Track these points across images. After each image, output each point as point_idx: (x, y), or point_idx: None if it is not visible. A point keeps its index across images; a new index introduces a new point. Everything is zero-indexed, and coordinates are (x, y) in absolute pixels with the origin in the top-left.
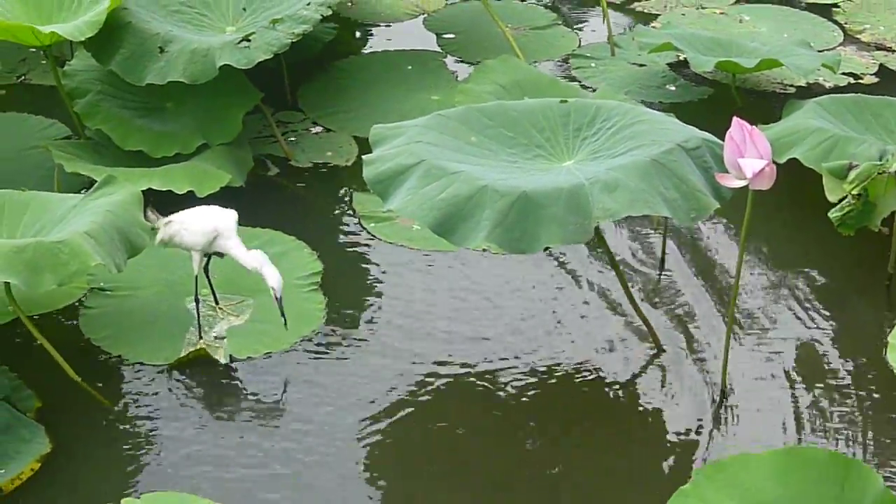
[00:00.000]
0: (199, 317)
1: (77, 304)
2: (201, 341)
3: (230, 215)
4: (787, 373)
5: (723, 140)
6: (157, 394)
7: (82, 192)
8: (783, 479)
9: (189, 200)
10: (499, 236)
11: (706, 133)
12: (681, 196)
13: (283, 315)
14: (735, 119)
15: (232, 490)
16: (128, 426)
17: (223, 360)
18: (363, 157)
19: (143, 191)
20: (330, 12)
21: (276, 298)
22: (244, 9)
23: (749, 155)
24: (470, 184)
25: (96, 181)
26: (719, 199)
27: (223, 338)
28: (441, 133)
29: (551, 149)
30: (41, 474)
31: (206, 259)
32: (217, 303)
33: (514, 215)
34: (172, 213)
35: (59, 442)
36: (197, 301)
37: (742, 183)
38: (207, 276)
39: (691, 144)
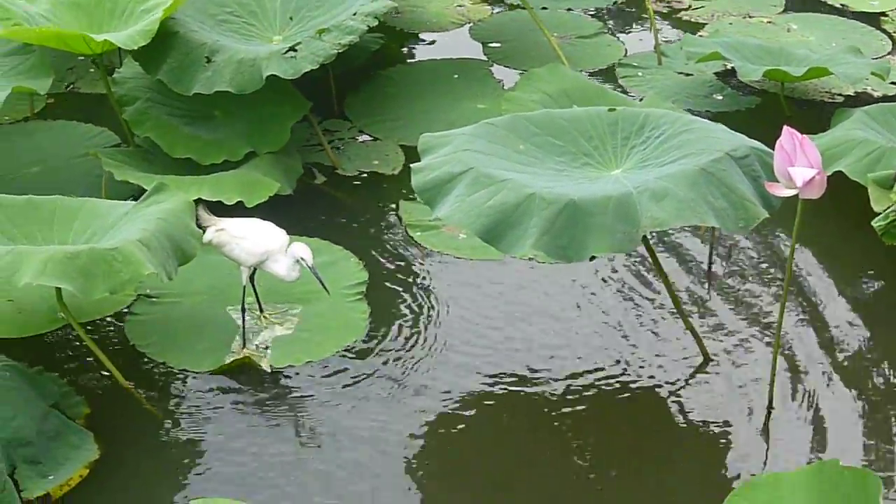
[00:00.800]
0: (244, 325)
1: (124, 311)
2: (245, 350)
3: (281, 239)
4: (834, 385)
5: (772, 149)
6: (203, 401)
7: (130, 199)
8: (816, 499)
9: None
10: (546, 244)
11: (755, 141)
12: (729, 205)
13: (322, 283)
14: (785, 128)
15: (277, 497)
16: (175, 433)
17: (266, 369)
18: (411, 165)
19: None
20: (376, 22)
21: (311, 268)
22: (291, 18)
23: (799, 164)
24: (518, 191)
25: (145, 189)
26: (768, 208)
27: (267, 347)
28: (489, 141)
29: (599, 157)
30: (90, 481)
31: (253, 270)
32: (262, 311)
33: (561, 223)
34: (224, 216)
35: (108, 448)
36: (243, 310)
37: (792, 192)
38: (253, 286)
39: (740, 153)
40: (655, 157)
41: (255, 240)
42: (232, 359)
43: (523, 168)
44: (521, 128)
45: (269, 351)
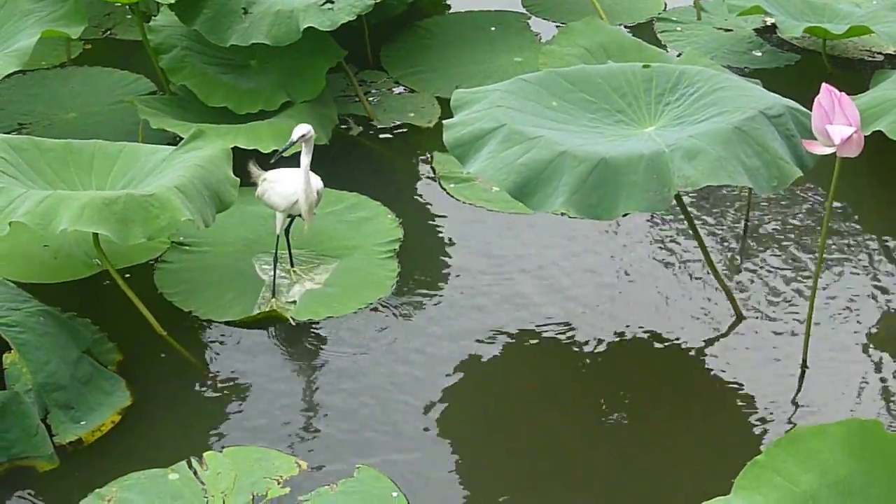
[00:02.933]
0: (274, 275)
1: (157, 259)
2: (274, 300)
3: (314, 183)
4: (869, 345)
5: (809, 107)
6: (234, 350)
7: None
8: (858, 453)
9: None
10: (577, 202)
11: (790, 100)
12: (762, 164)
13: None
14: (824, 85)
15: (310, 444)
16: (207, 381)
17: (290, 321)
18: (444, 121)
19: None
20: None
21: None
22: None
23: (837, 122)
24: (549, 149)
25: (181, 137)
26: (802, 167)
27: (294, 301)
28: (522, 98)
29: (633, 114)
30: (122, 427)
31: (289, 220)
32: (293, 266)
33: (592, 181)
34: (272, 168)
35: (140, 395)
36: (275, 260)
37: (829, 150)
38: (287, 239)
39: (774, 112)
40: (689, 115)
41: (287, 183)
42: (259, 310)
43: (556, 125)
44: (555, 84)
45: (294, 305)
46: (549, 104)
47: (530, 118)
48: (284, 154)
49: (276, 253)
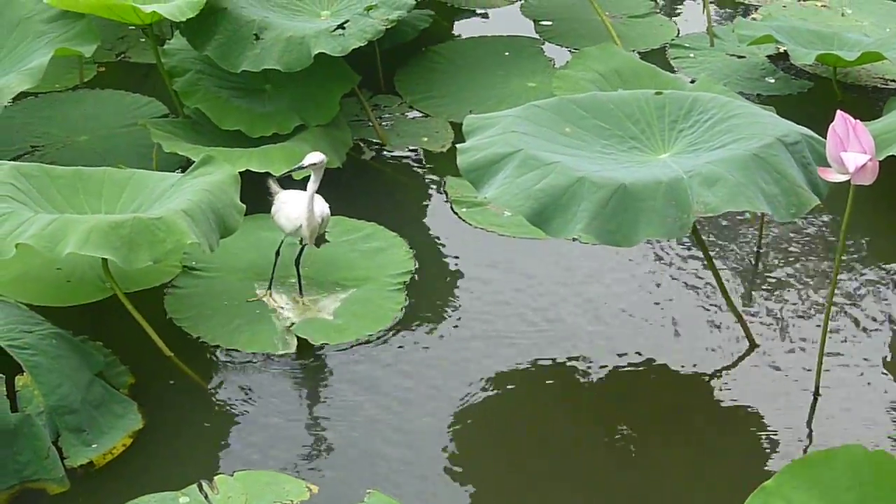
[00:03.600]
0: (273, 270)
1: (168, 284)
2: (266, 294)
3: (318, 213)
4: (882, 373)
5: (822, 134)
6: (244, 375)
7: (178, 170)
8: (867, 480)
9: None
10: (596, 228)
11: (804, 128)
12: (781, 191)
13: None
14: (839, 112)
15: (321, 469)
16: (217, 405)
17: (288, 350)
18: (457, 145)
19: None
20: None
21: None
22: None
23: (852, 149)
24: (567, 175)
25: (193, 160)
26: (817, 195)
27: (293, 324)
28: (535, 123)
29: (646, 141)
30: (133, 450)
31: (299, 249)
32: (301, 295)
33: (612, 207)
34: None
35: (152, 418)
36: (277, 254)
37: (844, 177)
38: (298, 268)
39: (790, 139)
40: (704, 142)
41: (294, 206)
42: (253, 299)
43: (570, 151)
44: (568, 110)
45: (293, 326)
46: (562, 130)
47: (544, 144)
48: (293, 175)
49: (278, 248)
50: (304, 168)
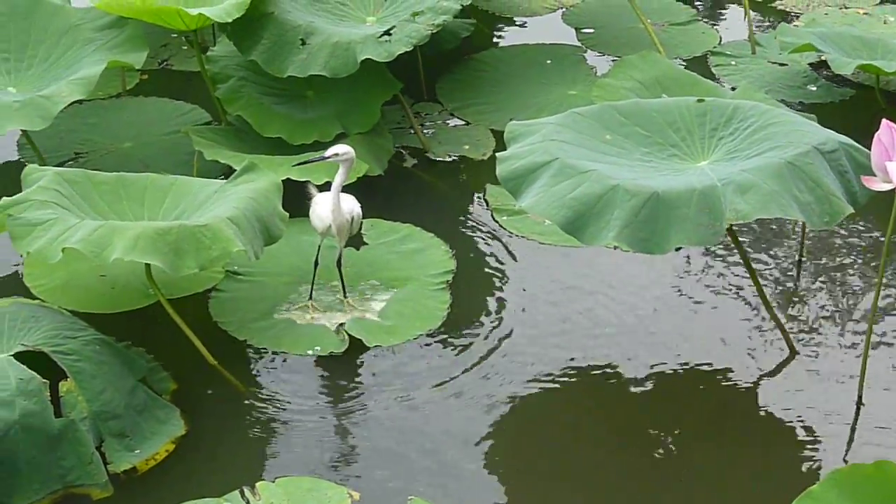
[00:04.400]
0: (313, 279)
1: (212, 288)
2: (311, 301)
3: (347, 210)
4: None
5: (863, 142)
6: (286, 380)
7: (220, 177)
8: None
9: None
10: (628, 236)
11: (844, 136)
12: (815, 199)
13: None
14: (884, 121)
15: (362, 476)
16: (260, 411)
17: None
18: (497, 154)
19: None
20: (469, 1)
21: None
22: None
23: None
24: (601, 183)
25: (235, 167)
26: (854, 204)
27: (343, 323)
28: (576, 131)
29: (686, 148)
30: (176, 456)
31: (338, 252)
32: (346, 296)
33: (644, 215)
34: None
35: (194, 424)
36: (315, 264)
37: (888, 186)
38: (340, 270)
39: (828, 147)
40: (742, 150)
41: (323, 206)
42: (293, 309)
43: (609, 158)
44: (609, 117)
45: (343, 326)
46: (603, 137)
47: (583, 152)
48: (314, 162)
49: (316, 256)
50: (325, 158)
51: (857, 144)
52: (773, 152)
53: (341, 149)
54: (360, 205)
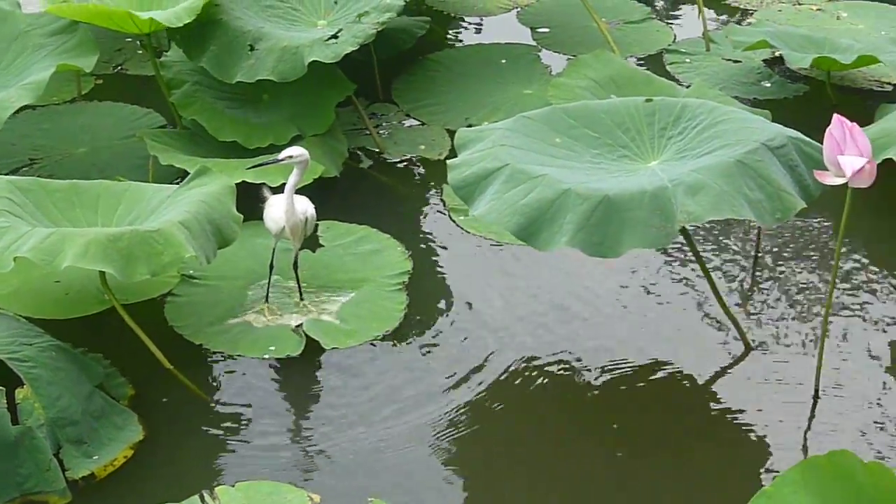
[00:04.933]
0: (269, 281)
1: (168, 293)
2: (265, 304)
3: (301, 210)
4: (882, 375)
5: (816, 137)
6: (244, 383)
7: (176, 181)
8: (867, 484)
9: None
10: (581, 240)
11: (793, 131)
12: (765, 197)
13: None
14: (835, 116)
15: (322, 478)
16: (218, 415)
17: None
18: (447, 161)
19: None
20: None
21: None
22: (335, 2)
23: (849, 152)
24: (553, 187)
25: (190, 172)
26: (807, 198)
27: (300, 325)
28: (525, 135)
29: (636, 149)
30: (134, 461)
31: (294, 255)
32: (302, 298)
33: (596, 219)
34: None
35: (152, 429)
36: (271, 266)
37: (841, 180)
38: (296, 272)
39: (776, 143)
40: (692, 149)
41: (276, 207)
42: (248, 313)
43: (560, 161)
44: (558, 120)
45: (301, 328)
46: (553, 141)
47: (534, 156)
48: (268, 165)
49: (271, 260)
50: (279, 161)
51: (806, 138)
52: (722, 151)
53: (295, 151)
54: (313, 206)
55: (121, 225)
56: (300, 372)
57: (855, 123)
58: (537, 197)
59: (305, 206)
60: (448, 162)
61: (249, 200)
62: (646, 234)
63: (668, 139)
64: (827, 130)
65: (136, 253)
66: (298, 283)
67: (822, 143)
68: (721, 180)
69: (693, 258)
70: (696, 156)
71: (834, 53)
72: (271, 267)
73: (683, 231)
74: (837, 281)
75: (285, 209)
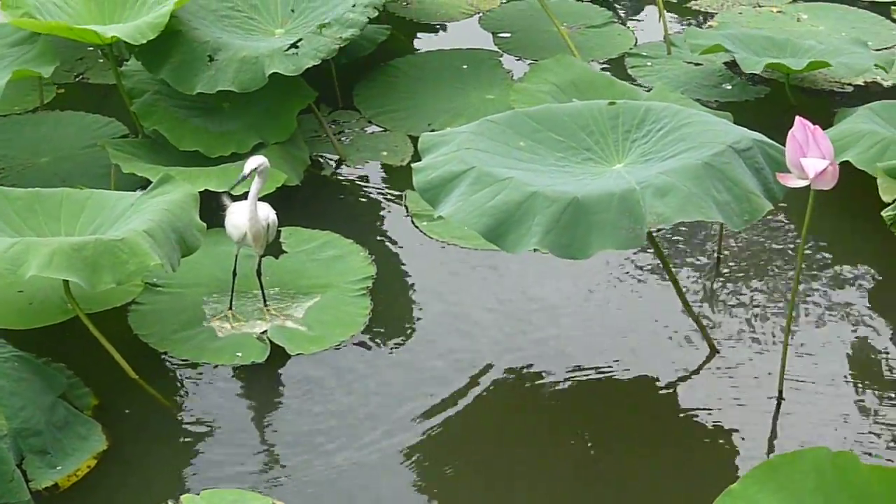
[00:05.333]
0: (233, 287)
1: (132, 301)
2: (230, 311)
3: (263, 217)
4: (845, 375)
5: (779, 139)
6: (209, 391)
7: (138, 190)
8: (832, 483)
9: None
10: (550, 242)
11: (757, 133)
12: (733, 199)
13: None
14: (798, 119)
15: (287, 486)
16: (183, 424)
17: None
18: (412, 165)
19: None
20: (377, 13)
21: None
22: (292, 10)
23: (811, 155)
24: (520, 190)
25: (152, 181)
26: (772, 200)
27: (265, 331)
28: (490, 139)
29: (601, 152)
30: (98, 471)
31: (257, 261)
32: (266, 304)
33: (565, 221)
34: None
35: (116, 439)
36: (234, 273)
37: (804, 183)
38: (259, 279)
39: (742, 145)
40: (657, 151)
41: (238, 214)
42: (213, 323)
43: (524, 165)
44: (522, 124)
45: (265, 334)
46: (517, 144)
47: (499, 159)
48: (236, 189)
49: (234, 266)
50: (246, 177)
51: (770, 141)
52: (688, 153)
53: (255, 161)
54: (275, 212)
55: (84, 233)
56: (265, 379)
57: (817, 126)
58: (505, 199)
59: (267, 213)
60: (413, 165)
61: (212, 208)
62: (615, 236)
63: (633, 142)
64: (790, 133)
65: (102, 262)
66: (262, 289)
67: (783, 146)
68: (689, 182)
69: (657, 260)
70: (661, 158)
71: (794, 56)
72: (234, 274)
73: (649, 234)
74: (801, 282)
75: (249, 216)
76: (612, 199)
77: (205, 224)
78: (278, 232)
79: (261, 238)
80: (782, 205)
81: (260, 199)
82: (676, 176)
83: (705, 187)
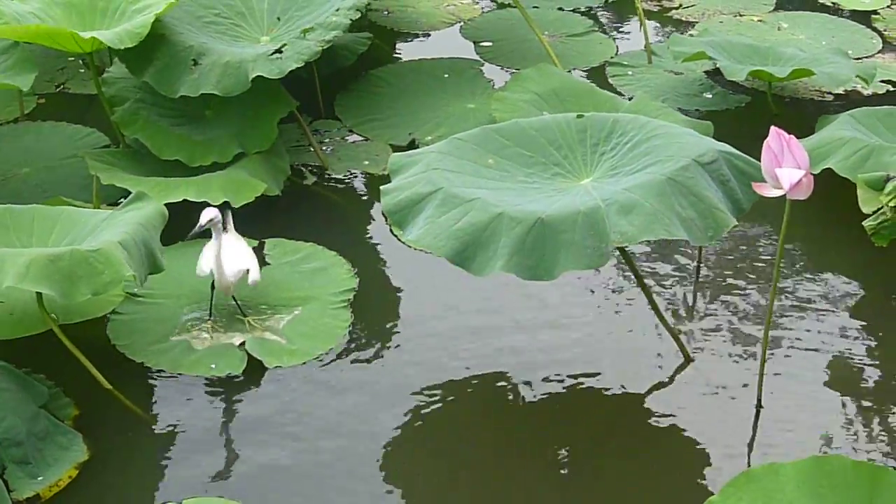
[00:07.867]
0: (212, 298)
1: (112, 311)
2: (210, 322)
3: (232, 273)
4: (824, 384)
5: (758, 148)
6: (188, 401)
7: (121, 200)
8: (812, 490)
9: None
10: (516, 264)
11: (724, 144)
12: (697, 214)
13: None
14: (773, 128)
15: (266, 496)
16: (162, 434)
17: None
18: (381, 187)
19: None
20: (359, 15)
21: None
22: (278, 18)
23: (787, 165)
24: (486, 211)
25: (131, 192)
26: (739, 212)
27: (244, 343)
28: (458, 158)
29: (569, 166)
30: (79, 482)
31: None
32: (245, 315)
33: (530, 242)
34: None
35: (97, 449)
36: (213, 285)
37: (779, 192)
38: (234, 297)
39: (707, 158)
40: (624, 165)
41: (208, 257)
42: (194, 328)
43: (492, 184)
44: (490, 141)
45: (243, 346)
46: (486, 162)
47: (467, 179)
48: (195, 234)
49: (212, 280)
50: (203, 227)
51: (737, 152)
52: (654, 167)
53: (210, 213)
54: (256, 261)
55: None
56: (243, 390)
57: (792, 136)
58: (471, 221)
59: (239, 266)
60: (381, 188)
61: (192, 220)
62: (580, 256)
63: (601, 155)
64: (765, 143)
65: (78, 272)
66: (236, 301)
67: (764, 154)
68: (653, 199)
69: (630, 273)
70: (628, 172)
71: (776, 64)
72: (213, 286)
73: (621, 248)
74: (778, 290)
75: (216, 271)
76: (577, 217)
77: (164, 247)
78: (263, 243)
79: (229, 292)
80: (759, 214)
81: (247, 217)
82: (641, 192)
83: (669, 203)
